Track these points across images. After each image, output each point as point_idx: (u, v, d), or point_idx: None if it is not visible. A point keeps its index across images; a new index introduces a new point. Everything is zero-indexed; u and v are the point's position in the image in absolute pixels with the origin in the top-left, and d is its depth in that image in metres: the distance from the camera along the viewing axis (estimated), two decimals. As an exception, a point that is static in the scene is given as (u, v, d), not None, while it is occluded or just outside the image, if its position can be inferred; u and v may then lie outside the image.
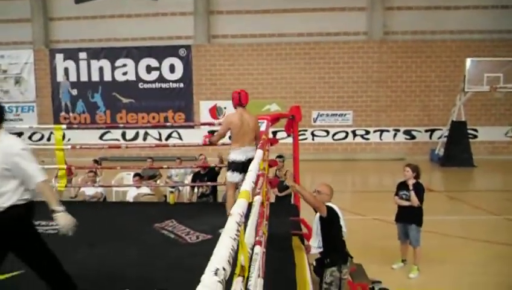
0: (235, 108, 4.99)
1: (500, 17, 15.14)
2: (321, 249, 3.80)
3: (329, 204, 3.85)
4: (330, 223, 3.70)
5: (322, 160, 14.97)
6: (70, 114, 16.25)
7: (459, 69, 14.58)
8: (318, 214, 3.86)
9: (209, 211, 5.74)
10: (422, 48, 15.41)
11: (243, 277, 1.33)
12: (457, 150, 13.77)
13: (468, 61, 13.34)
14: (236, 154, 4.72)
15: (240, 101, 4.92)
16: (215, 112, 15.63)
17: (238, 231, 1.28)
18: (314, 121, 15.78)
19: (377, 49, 15.47)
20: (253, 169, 2.17)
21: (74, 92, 16.24)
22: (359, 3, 15.51)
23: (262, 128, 5.01)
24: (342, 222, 3.80)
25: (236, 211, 1.40)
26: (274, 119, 5.76)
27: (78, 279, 3.58)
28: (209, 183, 6.58)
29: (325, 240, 3.74)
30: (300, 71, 15.71)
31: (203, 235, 4.68)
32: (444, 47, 15.35)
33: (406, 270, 5.80)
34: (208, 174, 6.72)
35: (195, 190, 6.94)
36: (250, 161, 4.59)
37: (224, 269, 1.01)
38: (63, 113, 16.28)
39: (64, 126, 6.52)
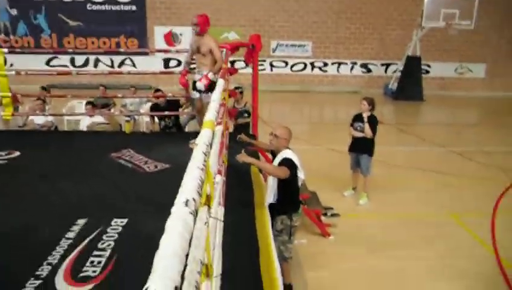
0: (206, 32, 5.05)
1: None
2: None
3: (288, 154, 3.64)
4: (288, 179, 3.54)
5: (280, 91, 15.01)
6: (11, 37, 14.95)
7: (416, 3, 14.60)
8: (278, 161, 3.67)
9: (167, 140, 5.68)
10: (384, -21, 15.17)
11: (208, 206, 1.34)
12: (410, 85, 14.23)
13: (427, -5, 13.37)
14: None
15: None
16: (170, 38, 14.95)
17: (205, 161, 1.26)
18: (273, 52, 15.55)
19: (339, -22, 15.05)
20: (215, 99, 2.12)
21: (13, 11, 14.81)
22: None
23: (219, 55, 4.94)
24: (299, 173, 3.65)
25: (202, 141, 1.37)
26: (233, 48, 5.59)
27: (31, 210, 3.52)
28: (167, 113, 6.41)
29: (280, 192, 3.64)
30: (261, -2, 15.12)
31: (161, 164, 4.65)
32: (404, -21, 15.19)
33: (356, 197, 6.17)
34: (167, 107, 6.52)
35: (157, 121, 6.76)
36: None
37: (194, 199, 1.00)
38: (2, 36, 14.94)
39: (5, 50, 5.96)
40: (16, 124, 7.23)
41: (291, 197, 3.71)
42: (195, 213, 0.99)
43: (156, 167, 4.60)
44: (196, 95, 5.15)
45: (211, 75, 4.87)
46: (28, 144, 5.33)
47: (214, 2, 14.91)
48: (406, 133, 10.20)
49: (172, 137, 6.07)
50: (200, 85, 4.92)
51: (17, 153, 4.92)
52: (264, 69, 15.25)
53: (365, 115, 5.79)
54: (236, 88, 6.59)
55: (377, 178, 6.35)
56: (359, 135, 5.86)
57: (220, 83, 3.05)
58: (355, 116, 5.96)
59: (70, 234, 3.10)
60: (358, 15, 15.45)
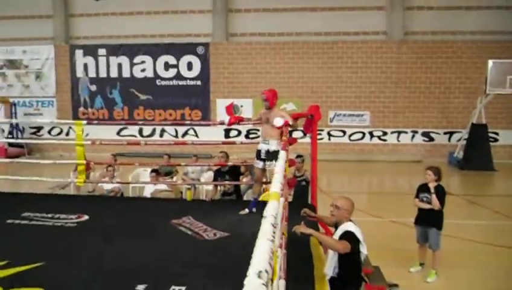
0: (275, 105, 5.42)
1: (523, 18, 14.80)
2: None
3: (350, 227, 3.49)
4: (350, 253, 3.38)
5: (339, 160, 14.85)
6: (89, 109, 16.46)
7: (480, 70, 14.30)
8: (339, 235, 3.53)
9: (227, 208, 5.74)
10: (443, 48, 15.15)
11: (271, 280, 1.31)
12: (477, 154, 13.51)
13: (490, 63, 13.07)
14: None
15: None
16: (231, 109, 15.60)
17: (274, 233, 1.25)
18: (331, 121, 15.67)
19: (396, 49, 15.27)
20: (279, 171, 2.15)
21: (93, 87, 16.45)
22: (379, 2, 15.34)
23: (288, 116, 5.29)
24: (361, 248, 3.47)
25: (270, 213, 1.38)
26: (293, 118, 5.70)
27: (95, 272, 3.64)
28: (227, 182, 6.57)
29: (341, 266, 3.46)
30: (318, 70, 15.61)
31: (221, 232, 4.67)
32: (464, 48, 15.07)
33: (424, 274, 5.71)
34: (229, 172, 6.68)
35: (218, 187, 6.92)
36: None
37: (266, 271, 0.99)
38: (81, 109, 16.50)
39: (84, 122, 6.57)
40: (87, 190, 7.72)
41: (352, 272, 3.50)
42: (267, 285, 0.97)
43: (215, 235, 4.62)
44: (259, 164, 5.32)
45: (289, 120, 5.13)
46: (96, 208, 5.63)
47: (273, 75, 15.60)
48: (477, 205, 9.52)
49: (231, 205, 6.12)
50: (279, 120, 5.02)
51: (86, 217, 5.20)
52: (322, 139, 15.31)
53: (431, 186, 5.52)
54: (298, 156, 6.68)
55: (447, 254, 5.87)
56: (426, 206, 5.55)
57: (283, 154, 3.09)
58: (421, 187, 5.70)
59: (131, 300, 3.13)
60: (417, 84, 15.36)
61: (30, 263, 3.67)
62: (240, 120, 5.81)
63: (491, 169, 13.43)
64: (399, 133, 15.57)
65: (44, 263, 3.72)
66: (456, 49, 15.11)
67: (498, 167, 13.50)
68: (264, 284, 0.94)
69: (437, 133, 15.47)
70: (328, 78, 15.61)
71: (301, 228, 3.47)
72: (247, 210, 5.31)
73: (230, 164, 6.99)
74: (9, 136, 15.98)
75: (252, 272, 0.99)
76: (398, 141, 15.59)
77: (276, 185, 1.84)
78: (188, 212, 5.36)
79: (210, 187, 7.27)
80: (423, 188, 5.64)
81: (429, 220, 5.56)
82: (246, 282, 0.96)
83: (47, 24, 16.60)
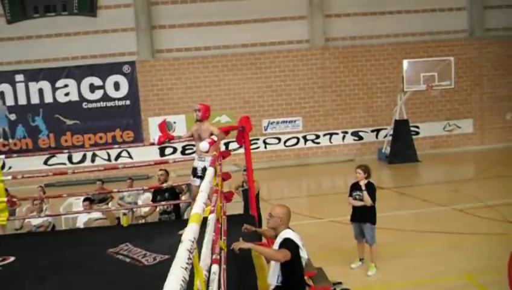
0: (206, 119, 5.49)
1: (431, 20, 16.14)
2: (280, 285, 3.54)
3: (288, 234, 3.52)
4: (291, 260, 3.42)
5: (276, 167, 15.12)
6: (10, 140, 15.32)
7: (397, 70, 15.33)
8: (279, 243, 3.56)
9: (166, 230, 5.61)
10: (362, 52, 16.07)
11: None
12: (402, 147, 14.44)
13: (405, 63, 14.10)
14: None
15: None
16: (164, 127, 15.33)
17: (189, 258, 1.24)
18: (265, 130, 15.93)
19: (320, 55, 15.94)
20: (204, 189, 2.14)
21: (12, 116, 15.34)
22: (299, 12, 15.94)
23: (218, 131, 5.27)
24: (302, 252, 3.53)
25: (187, 237, 1.36)
26: (225, 132, 5.74)
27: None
28: (164, 202, 6.42)
29: (284, 274, 3.48)
30: (248, 81, 15.84)
31: (160, 255, 4.54)
32: (381, 50, 16.10)
33: (365, 268, 5.97)
34: (169, 191, 6.55)
35: (157, 208, 6.75)
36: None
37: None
38: (1, 140, 15.31)
39: (2, 156, 6.11)
40: (13, 228, 7.16)
41: (295, 279, 3.57)
42: None
43: (154, 259, 4.49)
44: (196, 182, 5.23)
45: (215, 138, 5.05)
46: (23, 247, 5.23)
47: (203, 89, 15.58)
48: (406, 196, 10.14)
49: (171, 226, 5.99)
50: (205, 145, 4.82)
51: (12, 258, 4.81)
52: (258, 147, 15.51)
53: (362, 183, 5.81)
54: (244, 168, 6.76)
55: (383, 246, 6.19)
56: (359, 204, 5.82)
57: (210, 172, 3.09)
58: (353, 185, 5.97)
59: None
60: (342, 87, 16.11)
61: None
62: (170, 138, 5.75)
63: (415, 160, 14.41)
64: (331, 135, 16.20)
65: None
66: (374, 52, 16.09)
67: (421, 157, 14.52)
68: None
69: (365, 132, 16.30)
70: (258, 88, 15.89)
71: (239, 244, 3.49)
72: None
73: (168, 183, 6.86)
74: None
75: None
76: (331, 142, 16.21)
77: (197, 206, 1.82)
78: (126, 239, 5.16)
79: (147, 209, 7.07)
80: (355, 186, 5.92)
81: (363, 217, 5.84)
82: None
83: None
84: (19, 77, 15.23)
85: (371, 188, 5.80)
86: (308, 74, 15.93)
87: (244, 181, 6.82)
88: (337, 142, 16.24)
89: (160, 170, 7.20)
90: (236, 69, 15.80)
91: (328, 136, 16.19)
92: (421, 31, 16.16)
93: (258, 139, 15.57)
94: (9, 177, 6.45)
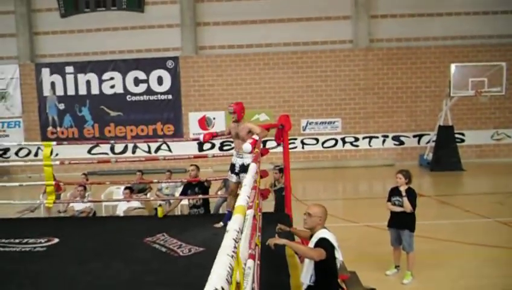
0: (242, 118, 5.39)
1: (481, 23, 15.45)
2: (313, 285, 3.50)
3: (324, 233, 3.49)
4: (325, 260, 3.38)
5: (312, 168, 15.00)
6: (58, 128, 16.06)
7: (443, 74, 14.80)
8: (314, 242, 3.52)
9: (199, 223, 5.69)
10: (407, 54, 15.63)
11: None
12: (446, 155, 13.92)
13: (453, 67, 13.56)
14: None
15: None
16: (204, 122, 15.60)
17: (235, 247, 1.25)
18: (304, 130, 15.84)
19: (363, 56, 15.64)
20: (247, 183, 2.16)
21: (61, 106, 16.08)
22: (344, 12, 15.71)
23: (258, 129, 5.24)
24: (337, 254, 3.47)
25: (233, 227, 1.38)
26: (265, 128, 5.74)
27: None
28: (200, 196, 6.52)
29: (317, 274, 3.44)
30: (288, 80, 15.80)
31: (195, 247, 4.62)
32: (428, 53, 15.59)
33: (400, 276, 5.80)
34: (198, 185, 6.65)
35: (187, 201, 6.87)
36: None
37: (223, 288, 0.98)
38: (50, 128, 16.09)
39: (53, 142, 6.43)
40: (57, 211, 7.50)
41: (329, 279, 3.52)
42: None
43: (189, 250, 4.57)
44: (233, 178, 5.30)
45: (256, 137, 4.94)
46: (67, 230, 5.47)
47: (244, 87, 15.69)
48: (448, 205, 9.77)
49: (203, 220, 6.08)
50: (248, 147, 4.66)
51: (56, 240, 5.04)
52: (295, 147, 15.43)
53: (402, 189, 5.64)
54: (276, 167, 6.74)
55: (420, 254, 5.99)
56: (398, 209, 5.66)
57: (252, 167, 3.10)
58: (392, 190, 5.81)
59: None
60: (385, 90, 15.75)
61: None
62: (214, 136, 5.79)
63: (459, 169, 13.84)
64: (370, 138, 15.88)
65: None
66: (420, 55, 15.61)
67: (466, 166, 13.94)
68: None
69: (407, 137, 15.86)
70: (298, 88, 15.81)
71: (274, 240, 3.48)
72: (221, 223, 5.26)
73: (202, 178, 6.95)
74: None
75: (208, 288, 0.98)
76: (370, 146, 15.89)
77: (242, 199, 1.84)
78: (162, 229, 5.29)
79: (183, 202, 7.19)
80: (395, 191, 5.76)
81: (402, 223, 5.67)
82: None
83: (11, 43, 16.17)
84: (69, 69, 15.94)
85: (411, 194, 5.63)
86: (350, 75, 15.69)
87: (275, 180, 6.80)
88: (377, 146, 15.89)
89: (192, 165, 7.29)
90: (277, 68, 15.79)
91: (367, 139, 15.87)
92: (471, 34, 15.50)
93: (295, 139, 15.50)
94: (57, 162, 6.76)
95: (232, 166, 5.34)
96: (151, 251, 4.65)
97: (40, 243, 4.95)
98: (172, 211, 6.72)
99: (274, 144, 6.55)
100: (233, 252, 1.23)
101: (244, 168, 5.09)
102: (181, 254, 4.49)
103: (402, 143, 15.90)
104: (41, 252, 4.71)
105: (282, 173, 6.75)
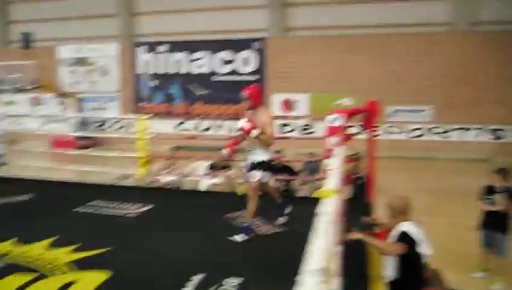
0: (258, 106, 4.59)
1: None
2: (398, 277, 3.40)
3: (405, 226, 3.34)
4: (407, 255, 3.27)
5: (396, 157, 14.33)
6: (149, 104, 17.15)
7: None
8: (394, 235, 3.41)
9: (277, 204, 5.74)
10: (513, 39, 14.11)
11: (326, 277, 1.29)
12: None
13: None
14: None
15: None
16: (287, 105, 15.62)
17: (328, 230, 1.24)
18: (389, 117, 15.15)
19: (461, 41, 14.43)
20: (335, 167, 2.12)
21: (153, 83, 17.10)
22: (443, -8, 14.57)
23: (338, 123, 4.89)
24: (421, 248, 3.32)
25: (324, 210, 1.36)
26: (350, 114, 5.57)
27: (155, 260, 3.82)
28: (281, 176, 6.55)
29: (400, 268, 3.33)
30: (375, 64, 15.14)
31: (275, 228, 4.69)
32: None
33: (489, 281, 5.39)
34: (283, 170, 6.64)
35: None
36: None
37: (323, 269, 0.98)
38: (142, 104, 17.23)
39: (147, 116, 6.90)
40: (145, 181, 8.05)
41: (412, 274, 3.36)
42: (323, 283, 0.96)
43: (269, 230, 4.64)
44: (255, 177, 4.48)
45: (254, 132, 4.31)
46: (155, 200, 5.87)
47: (329, 70, 15.35)
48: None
49: (285, 201, 6.11)
50: (245, 124, 4.32)
51: (146, 208, 5.45)
52: (378, 135, 14.80)
53: (499, 187, 5.19)
54: (353, 155, 6.55)
55: (514, 260, 5.49)
56: (493, 209, 5.22)
57: (339, 151, 3.03)
58: (487, 188, 5.37)
59: (189, 288, 3.26)
60: (484, 78, 14.42)
61: (97, 248, 3.91)
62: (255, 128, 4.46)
63: None
64: (463, 129, 14.74)
65: (109, 249, 3.96)
66: (529, 40, 14.00)
67: None
68: (320, 282, 0.93)
69: (505, 131, 14.45)
70: (385, 72, 15.09)
71: (352, 235, 3.39)
72: (240, 237, 4.39)
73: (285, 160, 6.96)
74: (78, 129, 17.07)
75: (308, 269, 0.98)
76: (462, 138, 14.76)
77: (332, 181, 1.81)
78: (242, 207, 5.42)
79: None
80: (490, 189, 5.32)
81: (495, 224, 5.23)
82: (301, 279, 0.96)
83: (112, 23, 17.47)
84: (162, 48, 16.83)
85: (508, 194, 5.15)
86: (444, 61, 14.59)
87: (354, 166, 6.58)
88: (470, 139, 14.71)
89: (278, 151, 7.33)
90: (363, 51, 15.20)
91: (460, 131, 14.75)
92: None
93: (378, 127, 14.85)
94: (151, 135, 7.23)
95: (251, 165, 4.54)
96: (231, 227, 4.81)
97: (133, 209, 5.38)
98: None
99: (355, 131, 6.35)
100: (328, 234, 1.22)
101: (255, 167, 4.46)
102: (260, 233, 4.59)
103: (499, 137, 14.54)
104: (134, 217, 5.13)
105: (360, 160, 6.56)
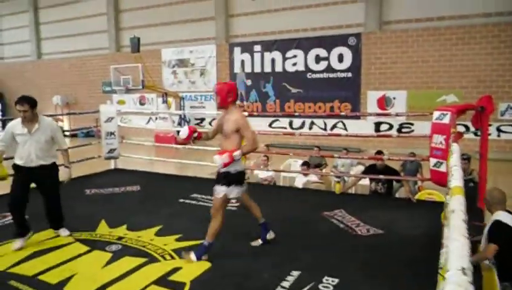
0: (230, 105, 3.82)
1: None
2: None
3: (499, 215, 3.34)
4: (503, 246, 3.21)
5: (509, 160, 12.94)
6: (245, 103, 17.65)
7: None
8: (487, 228, 3.40)
9: (379, 205, 5.53)
10: None
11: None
12: None
13: None
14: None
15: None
16: (383, 102, 14.97)
17: (466, 228, 1.15)
18: (502, 115, 13.69)
19: None
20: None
21: (248, 82, 17.57)
22: None
23: (446, 120, 4.51)
24: None
25: (458, 208, 1.26)
26: (459, 111, 5.13)
27: (257, 253, 3.91)
28: (382, 176, 6.28)
29: (498, 254, 3.23)
30: (487, 57, 13.77)
31: (374, 229, 4.52)
32: None
33: None
34: (384, 172, 6.34)
35: (369, 183, 6.71)
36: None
37: (469, 268, 0.91)
38: (238, 102, 17.75)
39: (245, 113, 7.12)
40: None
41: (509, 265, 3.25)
42: (473, 283, 0.89)
43: (368, 230, 4.49)
44: (219, 191, 3.84)
45: (237, 155, 3.63)
46: (252, 195, 6.00)
47: (431, 64, 14.36)
48: None
49: (383, 202, 5.87)
50: (218, 159, 3.59)
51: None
52: (489, 134, 13.49)
53: None
54: (463, 155, 6.06)
55: None
56: None
57: (456, 149, 2.81)
58: None
59: (286, 284, 3.27)
60: None
61: (199, 238, 4.11)
62: (197, 135, 4.14)
63: None
64: None
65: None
66: None
67: None
68: (470, 282, 0.86)
69: None
70: (499, 65, 13.65)
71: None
72: (260, 241, 4.23)
73: (385, 161, 6.64)
74: (179, 125, 18.24)
75: (454, 268, 0.91)
76: None
77: (456, 179, 1.68)
78: (340, 206, 5.32)
79: (361, 182, 7.07)
80: None
81: None
82: (448, 277, 0.89)
83: (210, 25, 18.32)
84: (257, 47, 17.20)
85: None
86: None
87: (462, 169, 6.05)
88: None
89: (379, 152, 7.04)
90: (473, 43, 13.91)
91: None
92: None
93: (490, 125, 13.49)
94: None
95: (219, 175, 3.88)
96: (329, 225, 4.75)
97: (232, 203, 5.55)
98: (349, 190, 6.69)
99: (462, 129, 5.84)
100: (466, 233, 1.13)
101: (221, 177, 3.78)
102: (359, 232, 4.46)
103: None
104: (233, 211, 5.30)
105: (469, 162, 6.04)
